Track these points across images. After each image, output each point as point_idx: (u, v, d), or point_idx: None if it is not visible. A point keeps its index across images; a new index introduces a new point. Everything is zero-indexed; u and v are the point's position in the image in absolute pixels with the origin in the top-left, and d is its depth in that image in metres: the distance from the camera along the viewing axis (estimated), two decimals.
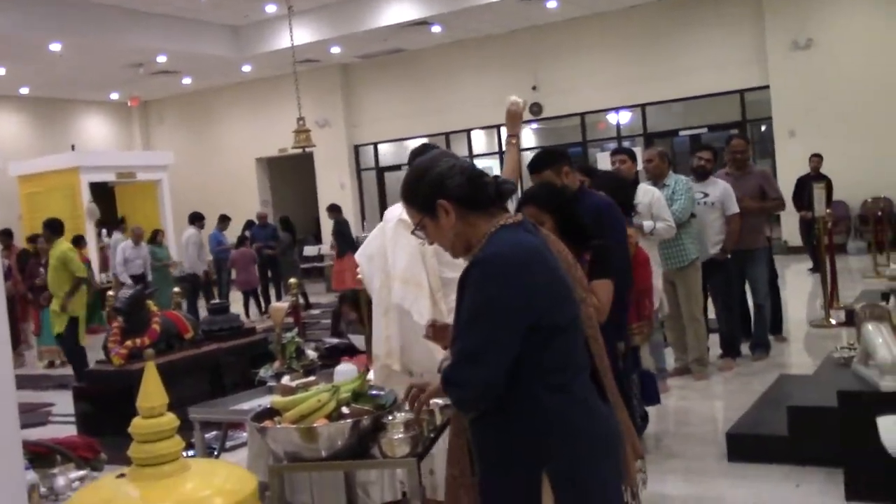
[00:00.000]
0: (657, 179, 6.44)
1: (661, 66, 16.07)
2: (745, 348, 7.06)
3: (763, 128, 16.69)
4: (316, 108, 19.68)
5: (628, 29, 16.35)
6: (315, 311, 13.14)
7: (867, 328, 3.99)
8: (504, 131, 4.76)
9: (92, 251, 16.36)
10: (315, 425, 2.37)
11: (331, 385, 2.60)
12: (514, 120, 3.81)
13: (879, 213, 12.52)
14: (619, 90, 16.51)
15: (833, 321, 8.13)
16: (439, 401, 2.48)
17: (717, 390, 6.26)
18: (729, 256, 6.73)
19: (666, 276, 6.39)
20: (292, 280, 5.56)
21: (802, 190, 12.18)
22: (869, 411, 3.75)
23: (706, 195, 6.66)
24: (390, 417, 2.42)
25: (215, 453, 4.26)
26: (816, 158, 12.76)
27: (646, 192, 5.87)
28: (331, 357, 4.78)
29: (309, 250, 18.73)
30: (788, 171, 14.71)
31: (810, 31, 14.67)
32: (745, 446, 4.58)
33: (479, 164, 18.62)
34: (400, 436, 2.37)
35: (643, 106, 16.78)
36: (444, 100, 18.34)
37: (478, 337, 2.03)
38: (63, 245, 8.96)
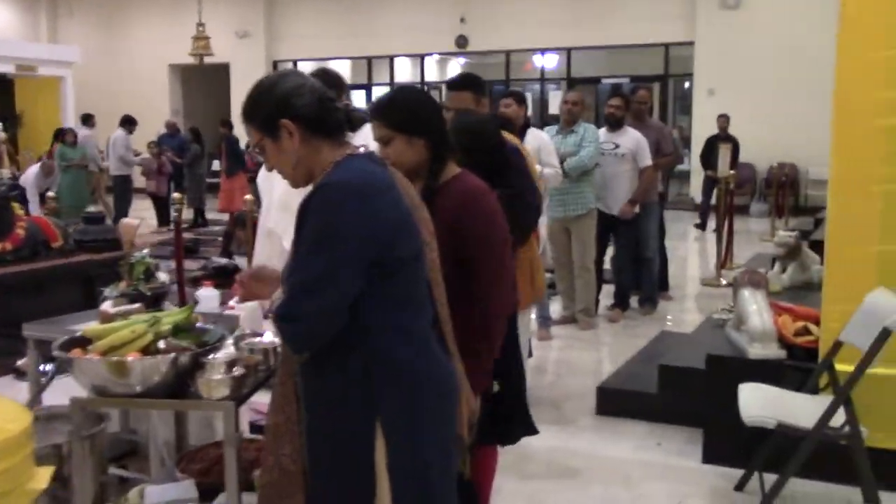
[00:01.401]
0: (569, 125, 6.29)
1: (589, 12, 15.89)
2: (634, 301, 7.10)
3: (686, 84, 16.75)
4: (236, 17, 18.93)
5: None
6: (216, 228, 12.74)
7: (743, 294, 3.96)
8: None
9: None
10: (126, 359, 2.17)
11: (150, 315, 2.39)
12: None
13: (784, 178, 12.72)
14: (547, 32, 16.28)
15: (723, 281, 8.23)
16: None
17: (600, 342, 6.25)
18: (637, 210, 6.66)
19: (561, 223, 6.33)
20: (175, 195, 5.26)
21: (710, 150, 12.35)
22: (733, 377, 3.73)
23: (617, 146, 6.57)
24: (210, 356, 2.24)
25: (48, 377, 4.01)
26: (723, 119, 12.95)
27: (534, 137, 5.65)
28: (217, 277, 4.58)
29: (217, 165, 18.14)
30: (703, 129, 14.83)
31: None
32: (615, 401, 4.56)
33: None
34: (219, 377, 2.19)
35: (569, 50, 16.63)
36: (370, 22, 17.81)
37: (317, 267, 1.86)
38: None
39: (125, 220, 4.31)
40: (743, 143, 14.43)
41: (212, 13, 19.07)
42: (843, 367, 3.40)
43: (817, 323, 3.79)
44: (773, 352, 3.75)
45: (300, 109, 1.98)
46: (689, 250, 11.20)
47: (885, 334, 3.01)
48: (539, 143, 5.57)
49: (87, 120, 14.60)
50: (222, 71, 19.27)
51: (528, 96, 16.40)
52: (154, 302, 3.23)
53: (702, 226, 12.64)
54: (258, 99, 2.02)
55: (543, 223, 5.42)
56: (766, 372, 3.70)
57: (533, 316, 6.11)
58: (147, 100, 19.49)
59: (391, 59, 18.25)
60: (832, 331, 3.54)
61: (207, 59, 19.29)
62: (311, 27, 18.42)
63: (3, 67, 16.90)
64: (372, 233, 1.88)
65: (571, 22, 15.99)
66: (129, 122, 13.61)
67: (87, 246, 5.89)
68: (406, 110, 2.39)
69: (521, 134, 5.56)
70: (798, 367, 3.70)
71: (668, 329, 6.21)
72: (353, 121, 2.09)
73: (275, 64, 19.21)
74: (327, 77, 4.31)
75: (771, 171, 13.23)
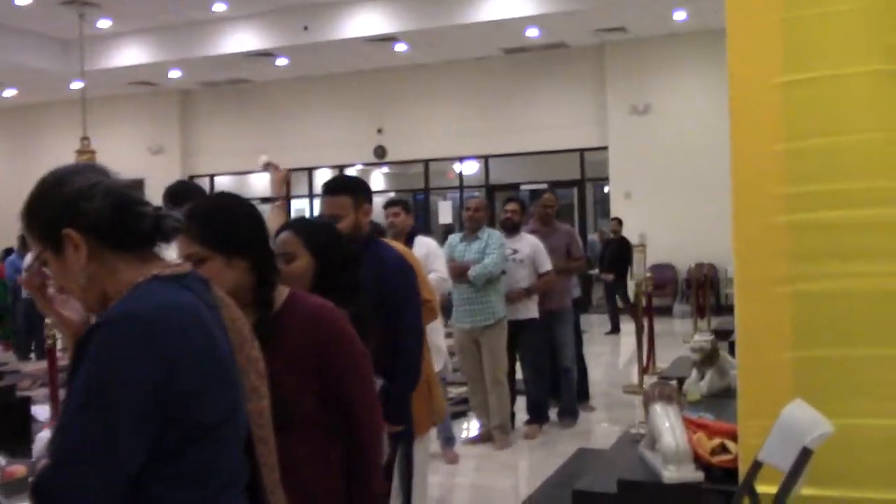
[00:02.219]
0: (473, 231, 6.05)
1: (505, 120, 16.05)
2: (553, 414, 6.73)
3: (605, 188, 16.92)
4: (151, 133, 18.65)
5: (475, 80, 16.27)
6: None
7: (654, 410, 3.62)
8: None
9: None
10: None
11: None
12: (281, 183, 3.80)
13: (703, 279, 12.72)
14: (464, 140, 16.37)
15: (646, 387, 7.94)
16: None
17: (516, 462, 5.84)
18: (538, 316, 6.39)
19: (470, 335, 5.99)
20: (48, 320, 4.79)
21: (604, 252, 12.54)
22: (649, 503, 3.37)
23: (515, 251, 6.33)
24: None
25: None
26: (615, 222, 13.19)
27: (422, 244, 5.46)
28: None
29: None
30: (623, 231, 14.89)
31: (648, 97, 14.99)
32: None
33: (319, 203, 18.17)
34: None
35: (486, 157, 16.70)
36: (287, 136, 17.68)
37: (83, 430, 1.41)
38: None
39: None
40: (661, 244, 14.55)
41: (126, 129, 18.84)
42: (766, 488, 3.06)
43: (735, 439, 3.47)
44: (690, 474, 3.39)
45: (89, 216, 1.56)
46: (611, 355, 10.95)
47: (805, 455, 2.69)
48: (427, 250, 5.36)
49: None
50: (137, 187, 18.74)
51: (448, 204, 16.49)
52: None
53: (614, 330, 12.54)
54: (38, 200, 1.61)
55: (439, 331, 5.13)
56: (682, 497, 3.34)
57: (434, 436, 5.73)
58: None
59: (309, 171, 18.08)
60: (750, 448, 3.21)
61: (123, 175, 18.97)
62: (226, 141, 18.21)
63: None
64: (162, 382, 1.44)
65: (488, 130, 16.12)
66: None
67: None
68: (224, 223, 2.02)
69: (409, 241, 5.31)
70: (717, 489, 3.35)
71: (586, 446, 5.83)
72: (165, 230, 1.71)
73: (191, 179, 18.86)
74: (185, 190, 3.96)
75: (690, 271, 13.24)
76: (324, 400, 2.00)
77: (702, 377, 5.16)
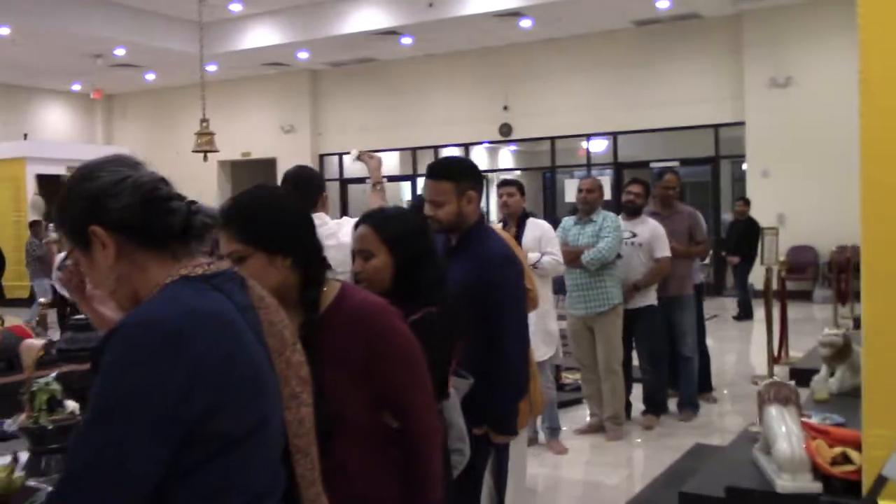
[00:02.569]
0: (587, 214, 5.81)
1: (635, 95, 15.51)
2: (673, 405, 6.42)
3: (742, 166, 16.14)
4: (282, 112, 19.08)
5: (604, 54, 15.79)
6: None
7: (769, 412, 3.33)
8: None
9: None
10: None
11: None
12: (378, 169, 3.90)
13: (845, 262, 11.91)
14: (592, 116, 15.93)
15: (777, 379, 7.46)
16: None
17: (627, 456, 5.56)
18: (656, 303, 6.08)
19: (583, 321, 5.76)
20: None
21: (730, 234, 12.00)
22: None
23: (634, 235, 6.02)
24: None
25: None
26: (741, 202, 12.54)
27: (535, 226, 5.33)
28: None
29: None
30: (760, 210, 14.15)
31: (790, 69, 14.13)
32: None
33: None
34: None
35: (615, 134, 16.20)
36: (413, 114, 17.72)
37: (98, 444, 1.31)
38: None
39: (27, 342, 3.87)
40: (801, 225, 13.76)
41: (258, 109, 19.37)
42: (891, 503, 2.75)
43: (859, 448, 3.13)
44: (806, 484, 3.10)
45: (116, 212, 1.48)
46: (741, 342, 10.41)
47: None
48: (541, 232, 5.25)
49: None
50: (269, 166, 19.34)
51: (575, 182, 16.13)
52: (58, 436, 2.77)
53: (742, 316, 11.95)
54: (66, 197, 1.54)
55: (552, 315, 5.01)
56: None
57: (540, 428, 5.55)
58: (197, 196, 19.56)
59: (435, 149, 18.06)
60: (875, 460, 2.88)
61: (256, 155, 19.54)
62: (354, 120, 18.41)
63: (53, 169, 17.12)
64: (178, 402, 1.32)
65: (617, 105, 15.63)
66: None
67: (74, 356, 5.50)
68: (265, 219, 1.89)
69: (521, 223, 5.15)
70: (836, 503, 3.04)
71: (704, 442, 5.49)
72: (194, 227, 1.60)
73: (321, 158, 19.22)
74: (303, 174, 3.85)
75: (832, 254, 12.42)
76: (374, 403, 1.86)
77: (832, 374, 4.78)
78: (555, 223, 6.10)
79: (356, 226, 2.45)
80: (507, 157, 20.62)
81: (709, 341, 7.08)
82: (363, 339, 1.88)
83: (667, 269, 6.01)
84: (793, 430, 3.19)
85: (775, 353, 7.94)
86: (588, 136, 16.58)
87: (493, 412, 2.90)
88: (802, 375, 6.08)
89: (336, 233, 3.65)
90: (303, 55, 17.03)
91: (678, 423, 6.16)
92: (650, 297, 6.06)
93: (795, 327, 10.31)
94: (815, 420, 4.01)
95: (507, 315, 2.93)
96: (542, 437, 5.62)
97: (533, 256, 5.09)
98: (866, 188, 2.92)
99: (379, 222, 2.43)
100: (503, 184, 5.53)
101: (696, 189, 18.24)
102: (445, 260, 2.95)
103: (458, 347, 2.48)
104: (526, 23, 14.75)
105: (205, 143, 9.99)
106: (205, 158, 11.20)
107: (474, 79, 17.02)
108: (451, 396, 2.66)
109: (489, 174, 19.82)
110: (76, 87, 20.13)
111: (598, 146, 16.87)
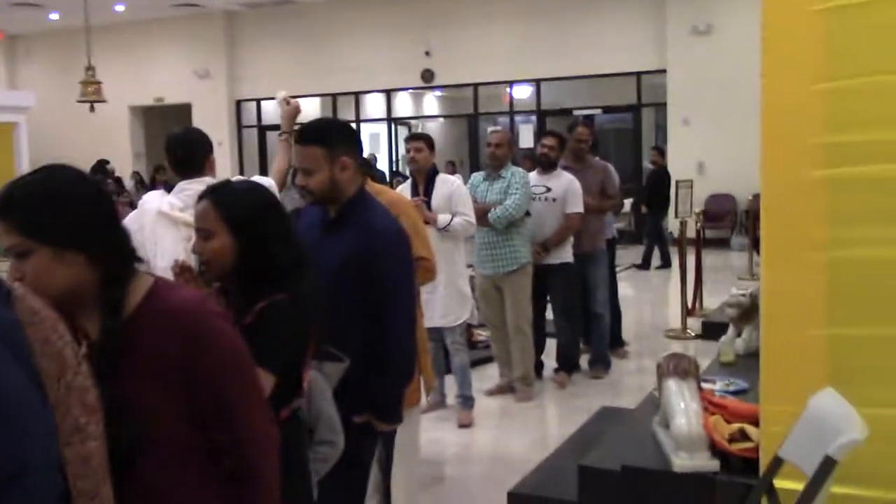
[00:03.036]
0: (496, 170, 5.59)
1: (559, 42, 15.28)
2: (585, 362, 6.34)
3: (662, 113, 16.12)
4: (196, 57, 18.33)
5: (527, 0, 15.47)
6: None
7: (668, 386, 3.19)
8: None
9: None
10: None
11: None
12: (291, 118, 3.68)
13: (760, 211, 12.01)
14: (515, 63, 15.66)
15: (690, 332, 7.47)
16: None
17: (536, 418, 5.45)
18: (571, 260, 5.95)
19: (491, 280, 5.59)
20: None
21: (645, 184, 12.05)
22: (656, 492, 2.98)
23: (548, 189, 5.85)
24: None
25: None
26: (654, 152, 12.51)
27: (445, 183, 5.07)
28: None
29: None
30: (680, 159, 14.20)
31: (711, 17, 14.07)
32: None
33: (368, 129, 17.61)
34: None
35: (538, 81, 15.97)
36: (333, 59, 17.18)
37: None
38: None
39: None
40: (720, 173, 13.84)
41: (171, 52, 18.56)
42: (789, 484, 2.64)
43: (758, 423, 3.03)
44: (703, 463, 2.98)
45: None
46: (658, 292, 10.44)
47: (828, 465, 2.25)
48: (450, 190, 4.99)
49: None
50: (184, 111, 18.62)
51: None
52: None
53: (646, 266, 11.99)
54: None
55: (464, 276, 4.84)
56: (693, 488, 2.95)
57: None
58: (108, 142, 18.84)
59: (356, 95, 17.61)
60: (773, 436, 2.77)
61: (169, 100, 18.77)
62: (272, 65, 17.76)
63: None
64: None
65: (541, 52, 15.38)
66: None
67: None
68: (50, 208, 1.55)
69: (430, 181, 4.91)
70: (733, 482, 2.93)
71: (613, 402, 5.40)
72: None
73: (237, 103, 18.57)
74: (187, 139, 3.49)
75: (749, 202, 12.53)
76: (193, 416, 1.61)
77: (738, 334, 4.70)
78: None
79: (198, 200, 2.18)
80: (431, 104, 20.28)
81: (625, 291, 7.01)
82: (178, 344, 1.59)
83: (577, 225, 5.87)
84: (691, 407, 3.06)
85: (689, 305, 7.94)
86: (511, 83, 16.32)
87: (376, 398, 2.67)
88: (714, 330, 6.06)
89: None
90: None
91: (589, 382, 6.10)
92: (566, 254, 5.92)
93: (712, 275, 10.37)
94: (718, 385, 3.93)
95: (393, 291, 2.69)
96: (449, 400, 5.46)
97: (443, 219, 4.88)
98: (767, 154, 2.76)
99: (220, 198, 2.14)
100: (410, 138, 5.25)
101: (619, 136, 18.22)
102: (321, 235, 2.72)
103: (313, 336, 2.25)
104: None
105: (91, 93, 9.33)
106: (91, 109, 10.52)
107: (396, 23, 16.56)
108: (318, 382, 2.44)
109: (412, 121, 19.48)
110: None
111: (522, 93, 16.64)
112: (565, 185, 5.85)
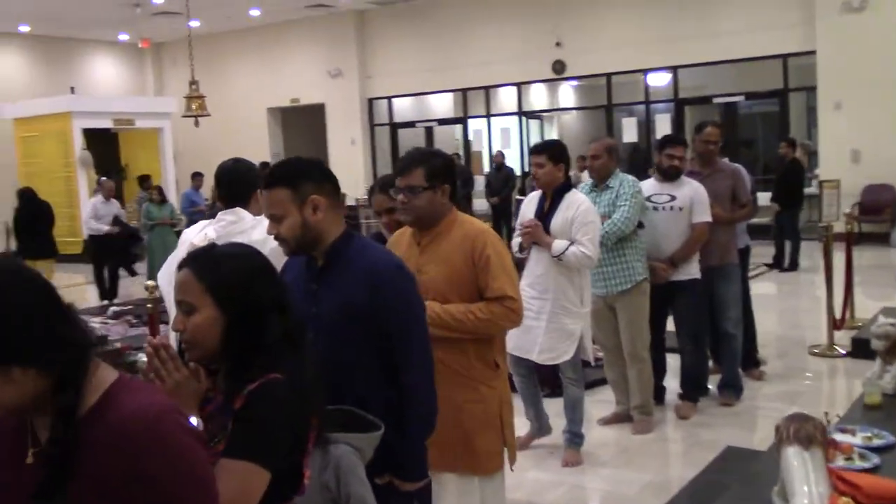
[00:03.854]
0: (602, 180, 5.13)
1: (697, 25, 14.44)
2: (714, 383, 5.78)
3: (812, 97, 14.99)
4: (329, 57, 18.50)
5: None
6: None
7: (788, 455, 2.69)
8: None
9: (84, 201, 15.53)
10: None
11: None
12: None
13: None
14: (651, 50, 14.90)
15: (839, 349, 6.73)
16: None
17: (654, 455, 4.92)
18: (699, 276, 5.42)
19: (605, 301, 5.14)
20: None
21: (785, 180, 10.98)
22: None
23: (673, 198, 5.32)
24: None
25: None
26: (785, 144, 11.33)
27: (570, 205, 4.48)
28: None
29: None
30: (832, 146, 13.16)
31: None
32: None
33: (499, 124, 17.28)
34: None
35: (675, 68, 15.15)
36: (463, 54, 16.93)
37: None
38: None
39: None
40: (878, 161, 12.72)
41: (304, 54, 18.81)
42: None
43: None
44: None
45: None
46: (798, 300, 9.57)
47: None
48: (573, 213, 4.45)
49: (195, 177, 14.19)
50: (318, 111, 18.88)
51: (633, 121, 15.19)
52: None
53: (779, 266, 10.99)
54: None
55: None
56: None
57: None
58: (247, 144, 19.29)
59: (486, 89, 17.28)
60: None
61: (304, 101, 19.04)
62: (402, 62, 17.72)
63: (99, 122, 17.03)
64: None
65: (678, 37, 14.57)
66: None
67: None
68: None
69: (557, 199, 4.46)
70: None
71: (744, 435, 4.81)
72: None
73: (369, 102, 18.62)
74: (234, 173, 3.51)
75: None
76: None
77: (887, 370, 4.07)
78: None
79: (178, 267, 1.90)
80: (564, 96, 19.68)
81: (761, 298, 6.34)
82: (123, 463, 1.35)
83: (704, 236, 5.32)
84: (814, 487, 2.56)
85: (837, 315, 7.18)
86: (646, 71, 15.55)
87: (396, 455, 2.38)
88: (868, 348, 5.37)
89: (248, 230, 3.24)
90: None
91: (718, 410, 5.53)
92: (693, 269, 5.39)
93: (868, 276, 9.45)
94: (858, 438, 3.37)
95: (408, 341, 2.43)
96: (556, 439, 5.00)
97: (558, 246, 4.38)
98: None
99: (203, 265, 1.85)
100: (532, 150, 4.78)
101: (766, 120, 17.14)
102: (312, 288, 2.44)
103: (315, 425, 1.94)
104: None
105: (196, 108, 9.34)
106: (196, 124, 10.59)
107: (525, 15, 16.12)
108: (348, 459, 2.15)
109: (543, 114, 18.98)
110: (123, 38, 19.85)
111: (658, 80, 15.83)
112: (691, 193, 5.32)
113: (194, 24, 18.40)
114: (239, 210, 3.28)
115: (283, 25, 18.66)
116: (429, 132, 19.04)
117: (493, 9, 16.47)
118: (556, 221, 4.50)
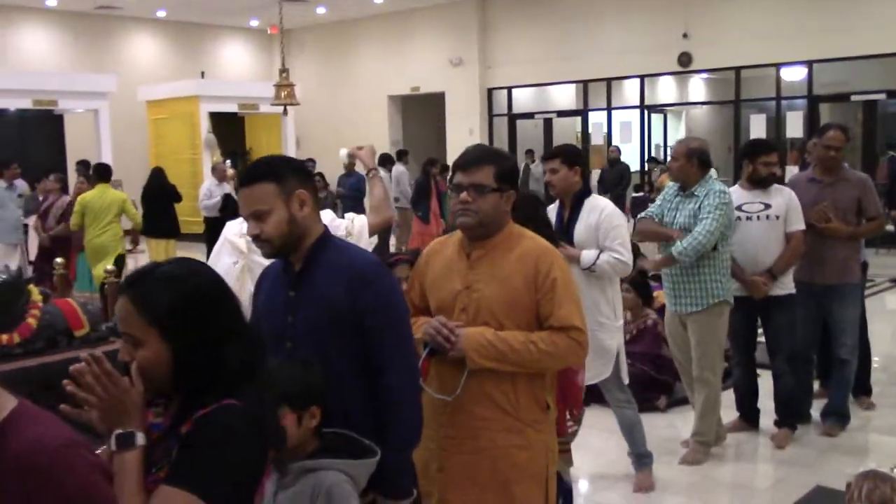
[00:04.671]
0: (686, 187, 4.66)
1: (836, 17, 13.45)
2: (818, 409, 5.29)
3: None
4: (450, 45, 18.37)
5: None
6: None
7: None
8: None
9: (207, 180, 16.00)
10: None
11: None
12: (370, 156, 3.75)
13: None
14: (784, 42, 14.03)
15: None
16: None
17: (739, 485, 4.51)
18: (794, 291, 4.95)
19: (678, 318, 4.75)
20: None
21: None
22: None
23: (767, 206, 4.87)
24: None
25: None
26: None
27: (593, 210, 4.06)
28: None
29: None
30: None
31: None
32: None
33: (619, 117, 16.68)
34: None
35: (810, 63, 14.22)
36: (585, 44, 16.44)
37: None
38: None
39: None
40: None
41: (426, 42, 18.77)
42: None
43: None
44: None
45: None
46: None
47: None
48: (597, 219, 4.02)
49: (402, 156, 14.67)
50: (438, 100, 18.80)
51: (762, 118, 14.33)
52: None
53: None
54: None
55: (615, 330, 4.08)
56: None
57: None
58: (367, 131, 19.45)
59: (608, 81, 16.74)
60: None
61: (424, 90, 19.00)
62: (523, 52, 17.39)
63: (225, 106, 17.46)
64: None
65: (814, 29, 13.65)
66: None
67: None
68: None
69: (577, 205, 4.08)
70: None
71: (828, 485, 4.34)
72: None
73: (489, 92, 18.39)
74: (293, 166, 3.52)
75: None
76: None
77: None
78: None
79: (119, 292, 1.72)
80: (694, 89, 18.87)
81: (878, 318, 5.77)
82: (21, 496, 1.23)
83: (802, 245, 4.86)
84: None
85: None
86: (779, 66, 14.65)
87: (380, 470, 2.17)
88: None
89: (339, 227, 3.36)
90: None
91: (819, 439, 5.04)
92: (788, 283, 4.94)
93: None
94: None
95: (390, 340, 2.23)
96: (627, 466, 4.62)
97: (587, 256, 3.97)
98: None
99: (140, 293, 1.65)
100: (545, 157, 4.35)
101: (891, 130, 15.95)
102: (289, 296, 2.28)
103: (271, 457, 1.74)
104: None
105: (285, 97, 9.30)
106: (284, 112, 10.59)
107: (650, 4, 15.47)
108: (341, 489, 2.03)
109: (668, 108, 18.25)
110: (254, 23, 20.31)
111: (792, 75, 14.90)
112: (786, 200, 4.86)
113: (321, 10, 18.74)
114: (328, 211, 3.39)
115: (407, 13, 18.64)
116: (548, 124, 18.65)
117: None
118: (580, 230, 4.05)
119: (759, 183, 4.91)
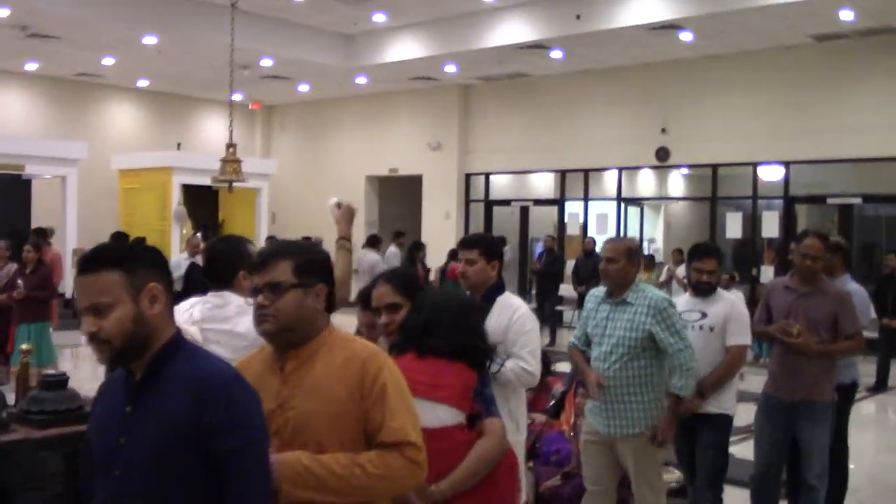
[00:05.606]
0: (619, 290, 4.23)
1: (814, 120, 13.47)
2: None
3: None
4: (430, 128, 18.33)
5: (777, 73, 13.87)
6: None
7: None
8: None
9: (175, 254, 15.66)
10: None
11: None
12: (348, 219, 3.65)
13: None
14: (762, 142, 14.02)
15: None
16: None
17: None
18: (732, 413, 4.61)
19: (602, 440, 4.31)
20: None
21: (880, 292, 9.91)
22: None
23: (703, 315, 4.58)
24: None
25: None
26: (893, 257, 10.24)
27: (504, 310, 3.67)
28: None
29: None
30: None
31: None
32: None
33: (596, 209, 16.53)
34: None
35: (788, 163, 14.17)
36: (565, 134, 16.42)
37: None
38: None
39: None
40: None
41: (407, 125, 18.73)
42: None
43: None
44: None
45: None
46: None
47: None
48: (508, 321, 3.63)
49: (376, 242, 14.09)
50: (416, 182, 18.67)
51: (738, 216, 14.19)
52: None
53: (878, 387, 9.89)
54: None
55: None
56: None
57: None
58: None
59: (586, 172, 16.66)
60: None
61: (403, 171, 18.86)
62: (503, 139, 17.36)
63: (198, 179, 17.25)
64: None
65: (792, 131, 13.65)
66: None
67: (31, 419, 4.74)
68: None
69: (488, 302, 3.66)
70: None
71: None
72: None
73: (467, 177, 18.28)
74: (218, 253, 3.59)
75: None
76: None
77: None
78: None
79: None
80: (677, 183, 18.79)
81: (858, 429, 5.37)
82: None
83: (740, 361, 4.56)
84: None
85: None
86: (756, 164, 14.61)
87: None
88: None
89: (232, 317, 3.09)
90: (450, 69, 16.14)
91: None
92: (726, 402, 4.60)
93: None
94: None
95: (240, 472, 1.88)
96: None
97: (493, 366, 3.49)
98: None
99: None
100: (462, 244, 3.91)
101: (891, 225, 15.87)
102: (126, 413, 1.94)
103: None
104: (686, 36, 13.15)
105: (230, 172, 9.02)
106: (229, 189, 10.35)
107: (630, 98, 15.52)
108: None
109: (644, 202, 18.15)
110: (237, 98, 20.26)
111: (769, 175, 14.83)
112: (725, 310, 4.57)
113: (303, 88, 18.72)
114: (227, 294, 3.15)
115: (388, 95, 18.65)
116: (524, 211, 18.50)
117: (598, 91, 15.96)
118: (489, 328, 3.43)
119: (695, 289, 4.62)
